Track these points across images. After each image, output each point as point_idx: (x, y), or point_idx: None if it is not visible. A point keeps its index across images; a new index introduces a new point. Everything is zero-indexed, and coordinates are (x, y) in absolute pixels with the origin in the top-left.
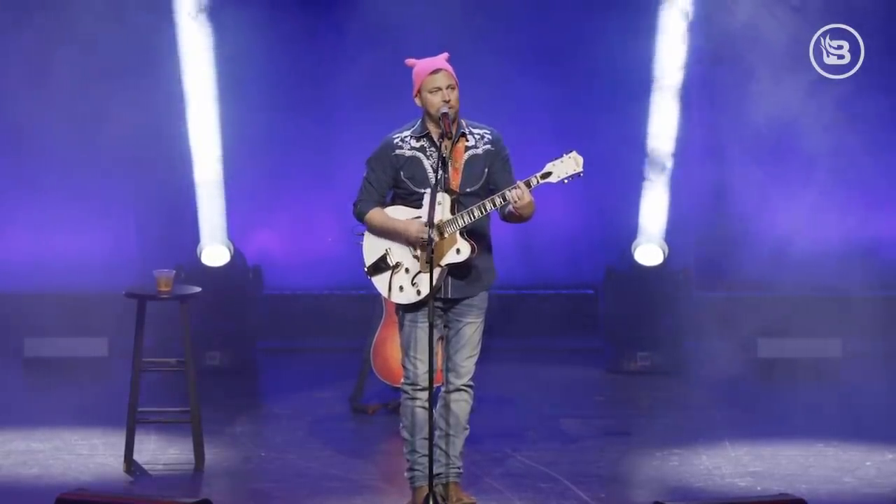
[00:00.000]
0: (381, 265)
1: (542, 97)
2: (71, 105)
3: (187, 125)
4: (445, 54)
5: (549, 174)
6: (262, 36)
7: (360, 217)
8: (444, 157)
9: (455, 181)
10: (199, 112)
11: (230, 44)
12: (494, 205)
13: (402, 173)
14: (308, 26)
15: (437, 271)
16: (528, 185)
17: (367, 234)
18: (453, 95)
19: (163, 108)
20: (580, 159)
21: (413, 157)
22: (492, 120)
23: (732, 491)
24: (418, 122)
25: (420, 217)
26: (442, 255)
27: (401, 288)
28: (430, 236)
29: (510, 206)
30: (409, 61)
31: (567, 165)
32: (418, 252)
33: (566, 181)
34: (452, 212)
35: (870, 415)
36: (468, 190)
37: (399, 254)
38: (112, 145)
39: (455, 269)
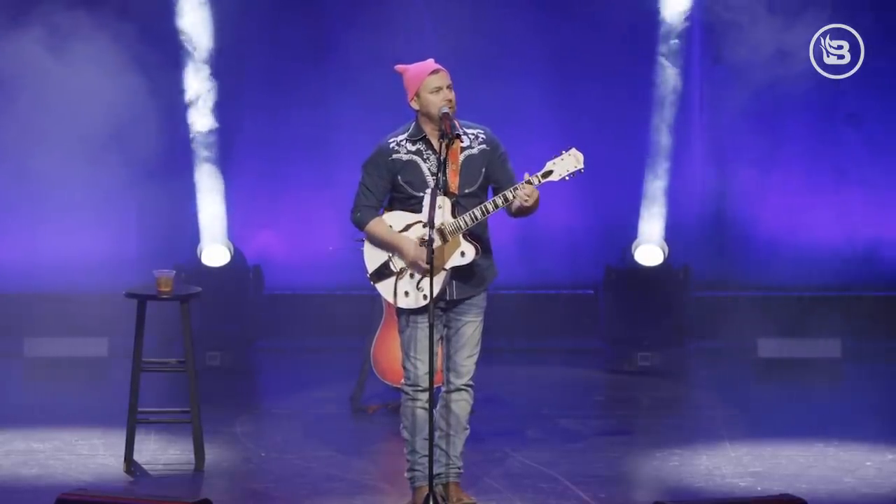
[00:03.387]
0: (384, 271)
1: (542, 97)
2: (70, 105)
3: (188, 125)
4: (431, 60)
5: (549, 172)
6: (263, 36)
7: (359, 226)
8: (440, 158)
9: (454, 183)
10: (199, 112)
11: (231, 44)
12: (496, 206)
13: (399, 178)
14: (308, 26)
15: (442, 275)
16: (529, 183)
17: (367, 240)
18: (453, 95)
19: (163, 107)
20: (580, 156)
21: (410, 161)
22: (492, 120)
23: (733, 491)
24: (412, 125)
25: (421, 221)
26: (446, 259)
27: (406, 293)
28: (430, 236)
29: (517, 203)
30: (399, 67)
31: (567, 163)
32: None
33: (567, 178)
34: (453, 214)
35: (870, 415)
36: (466, 191)
37: (402, 259)
38: (112, 145)
39: (458, 271)
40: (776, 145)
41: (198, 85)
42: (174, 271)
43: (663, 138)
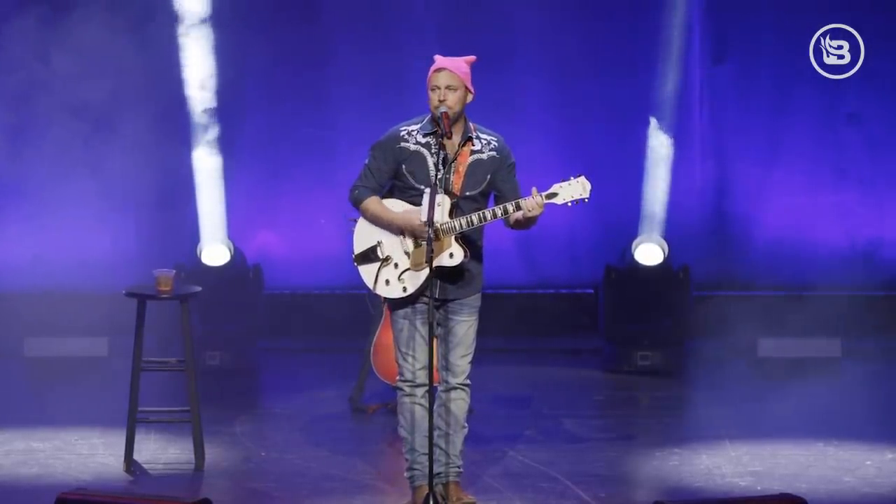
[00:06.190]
0: (370, 255)
1: (542, 97)
2: (70, 105)
3: (188, 125)
4: (472, 57)
5: (554, 195)
6: (263, 36)
7: (356, 202)
8: (447, 157)
9: (457, 184)
10: (199, 112)
11: (231, 44)
12: (495, 215)
13: (404, 167)
14: (308, 26)
15: (425, 271)
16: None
17: (359, 221)
18: (451, 96)
19: (163, 107)
20: (588, 185)
21: (417, 153)
22: (491, 119)
23: (732, 491)
24: (427, 118)
25: (420, 209)
26: (434, 257)
27: (387, 282)
28: (430, 236)
29: (519, 214)
30: (436, 58)
31: (574, 189)
32: (410, 249)
33: (570, 205)
34: (451, 214)
35: (870, 415)
36: (468, 194)
37: (390, 247)
38: (111, 145)
39: (445, 272)
40: (776, 145)
41: (198, 84)
42: (174, 271)
43: (663, 138)
